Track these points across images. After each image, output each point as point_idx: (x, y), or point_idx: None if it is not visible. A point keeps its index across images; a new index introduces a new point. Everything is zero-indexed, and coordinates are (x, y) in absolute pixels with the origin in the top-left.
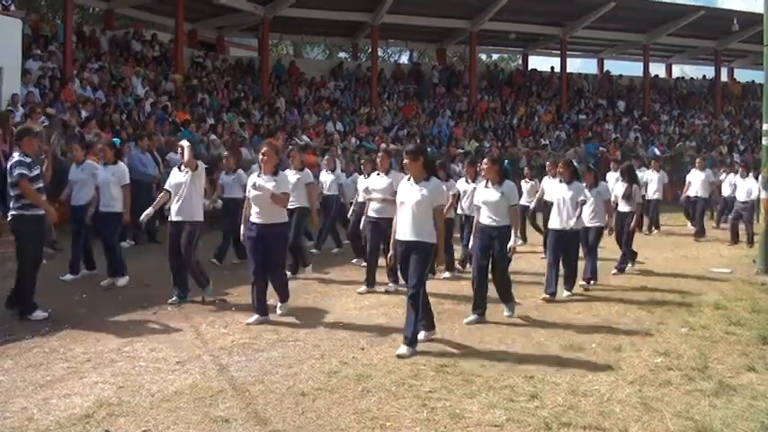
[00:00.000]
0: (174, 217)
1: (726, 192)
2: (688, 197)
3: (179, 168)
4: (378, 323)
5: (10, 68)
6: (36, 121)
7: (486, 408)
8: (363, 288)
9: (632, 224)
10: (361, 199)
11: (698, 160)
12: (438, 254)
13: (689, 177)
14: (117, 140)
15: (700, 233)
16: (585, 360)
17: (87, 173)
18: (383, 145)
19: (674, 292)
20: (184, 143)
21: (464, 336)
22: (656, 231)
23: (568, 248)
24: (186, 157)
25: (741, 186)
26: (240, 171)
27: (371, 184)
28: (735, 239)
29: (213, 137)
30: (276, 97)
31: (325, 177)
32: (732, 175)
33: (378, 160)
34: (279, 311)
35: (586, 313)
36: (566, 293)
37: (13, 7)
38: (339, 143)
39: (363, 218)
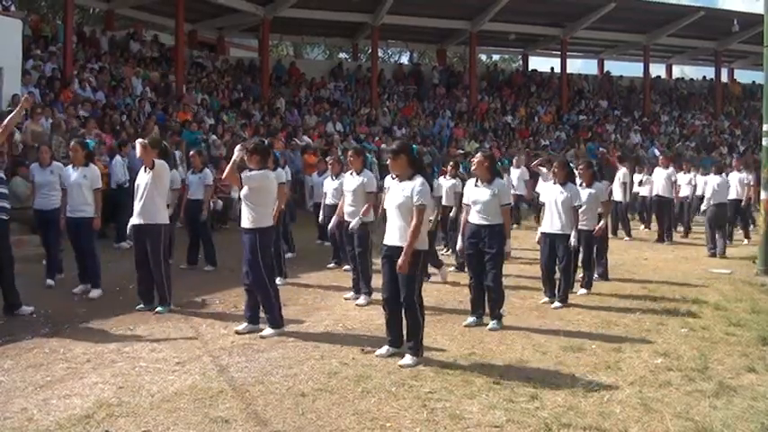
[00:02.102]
0: (134, 219)
1: (697, 192)
2: (645, 198)
3: (144, 169)
4: (378, 323)
5: (10, 69)
6: (37, 122)
7: (486, 408)
8: (350, 294)
9: (601, 225)
10: (329, 201)
11: (661, 157)
12: (405, 254)
13: (652, 176)
14: (91, 142)
15: (665, 237)
16: (585, 360)
17: (57, 175)
18: (383, 145)
19: (673, 293)
20: (138, 141)
21: (464, 336)
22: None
23: (564, 253)
24: (138, 154)
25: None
26: (207, 170)
27: (345, 185)
28: (715, 248)
29: (213, 137)
30: (276, 98)
31: (329, 185)
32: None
33: (348, 159)
34: (263, 334)
35: (586, 314)
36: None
37: (13, 8)
38: (339, 144)
39: (333, 219)
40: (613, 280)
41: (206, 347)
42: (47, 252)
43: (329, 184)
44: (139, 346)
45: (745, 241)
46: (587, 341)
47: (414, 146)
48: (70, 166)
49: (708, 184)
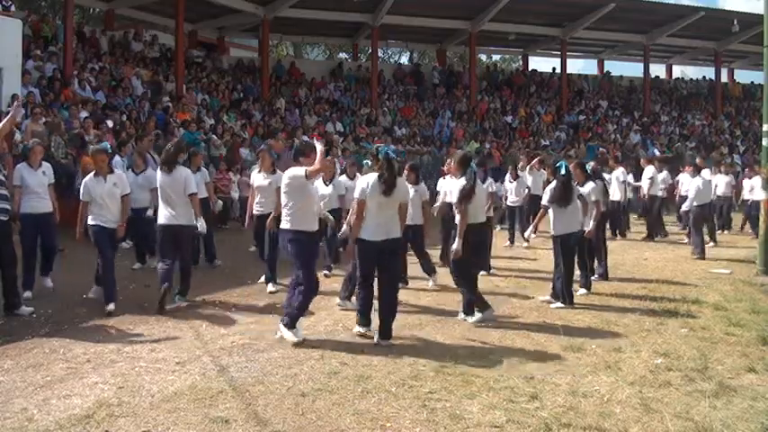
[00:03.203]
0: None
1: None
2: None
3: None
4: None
5: (10, 69)
6: (37, 122)
7: (487, 409)
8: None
9: (590, 227)
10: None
11: (644, 158)
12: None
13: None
14: (106, 144)
15: (654, 235)
16: (585, 360)
17: (48, 176)
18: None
19: (673, 293)
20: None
21: (464, 336)
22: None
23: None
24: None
25: (692, 186)
26: (203, 169)
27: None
28: (702, 252)
29: (213, 137)
30: (276, 98)
31: (324, 189)
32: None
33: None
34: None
35: (586, 314)
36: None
37: (13, 8)
38: (339, 144)
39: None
40: (613, 280)
41: (206, 347)
42: (44, 255)
43: (322, 190)
44: (139, 346)
45: (711, 243)
46: (587, 341)
47: (381, 148)
48: (91, 175)
49: (688, 184)
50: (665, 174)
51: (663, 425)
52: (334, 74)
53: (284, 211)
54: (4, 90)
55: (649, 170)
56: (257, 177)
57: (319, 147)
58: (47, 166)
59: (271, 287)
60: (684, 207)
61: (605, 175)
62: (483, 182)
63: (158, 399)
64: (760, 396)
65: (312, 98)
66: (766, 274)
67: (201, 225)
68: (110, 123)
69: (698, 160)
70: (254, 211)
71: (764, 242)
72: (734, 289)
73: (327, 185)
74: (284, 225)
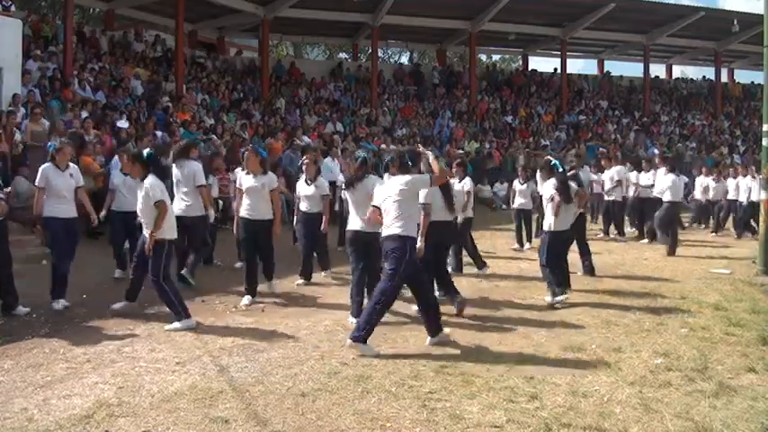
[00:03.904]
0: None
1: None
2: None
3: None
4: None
5: (10, 69)
6: (37, 122)
7: (487, 408)
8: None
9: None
10: (303, 208)
11: (604, 158)
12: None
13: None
14: (147, 150)
15: (645, 235)
16: (585, 361)
17: (75, 179)
18: (383, 146)
19: (673, 293)
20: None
21: (464, 337)
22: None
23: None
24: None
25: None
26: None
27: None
28: (672, 249)
29: (213, 137)
30: (276, 98)
31: (305, 189)
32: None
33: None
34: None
35: (586, 314)
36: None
37: (13, 8)
38: (339, 144)
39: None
40: (614, 279)
41: (206, 347)
42: (59, 266)
43: (303, 190)
44: (139, 346)
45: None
46: (587, 341)
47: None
48: (137, 180)
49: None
50: (652, 173)
51: (663, 425)
52: (334, 74)
53: (393, 219)
54: (4, 90)
55: (612, 171)
56: (246, 179)
57: (424, 150)
58: (74, 168)
59: (271, 286)
60: (651, 194)
61: (593, 176)
62: (459, 181)
63: (158, 399)
64: (760, 396)
65: (312, 98)
66: (766, 274)
67: (211, 215)
68: (125, 124)
69: (656, 159)
70: (243, 215)
71: (764, 242)
72: (734, 289)
73: (309, 185)
74: (392, 231)
